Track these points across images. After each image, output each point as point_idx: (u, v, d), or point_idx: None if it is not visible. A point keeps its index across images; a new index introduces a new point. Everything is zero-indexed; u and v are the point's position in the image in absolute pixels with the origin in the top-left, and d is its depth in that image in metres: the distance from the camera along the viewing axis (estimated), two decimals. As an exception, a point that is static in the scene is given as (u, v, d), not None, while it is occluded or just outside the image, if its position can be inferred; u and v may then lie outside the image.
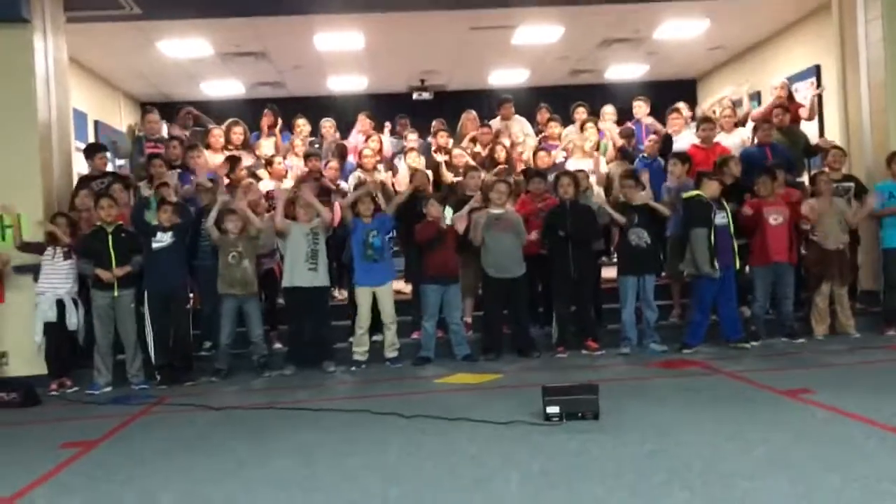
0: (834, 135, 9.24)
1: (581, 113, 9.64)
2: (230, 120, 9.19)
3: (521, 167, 8.92)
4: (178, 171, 8.04)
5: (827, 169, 7.81)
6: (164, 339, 6.84)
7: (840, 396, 4.86)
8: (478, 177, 7.93)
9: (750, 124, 9.32)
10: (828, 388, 5.12)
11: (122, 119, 12.96)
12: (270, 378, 6.87)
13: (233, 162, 8.12)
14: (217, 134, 8.75)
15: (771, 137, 8.23)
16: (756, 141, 8.48)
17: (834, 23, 8.59)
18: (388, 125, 9.96)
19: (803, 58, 11.20)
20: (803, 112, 8.85)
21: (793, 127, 8.66)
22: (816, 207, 7.34)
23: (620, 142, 9.15)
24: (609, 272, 8.07)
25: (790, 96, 9.45)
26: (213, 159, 8.51)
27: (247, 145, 9.03)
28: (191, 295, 7.41)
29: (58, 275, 6.83)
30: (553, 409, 4.60)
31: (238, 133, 8.96)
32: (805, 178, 8.70)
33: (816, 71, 10.93)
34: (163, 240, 6.81)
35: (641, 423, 4.55)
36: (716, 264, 6.88)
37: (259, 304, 7.11)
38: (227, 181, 7.86)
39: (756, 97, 12.37)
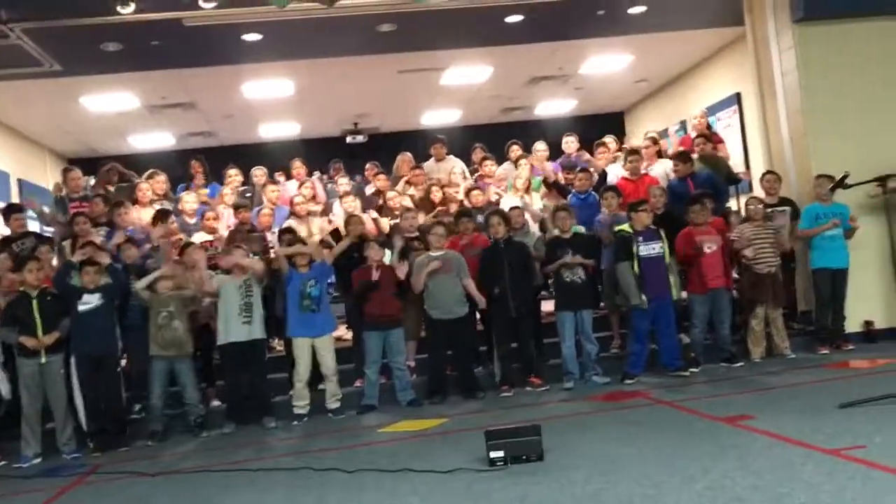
0: (758, 161, 9.52)
1: (515, 150, 9.75)
2: (149, 171, 9.01)
3: (454, 207, 8.94)
4: (106, 228, 7.85)
5: (763, 194, 8.01)
6: (95, 405, 6.56)
7: (778, 420, 4.91)
8: (412, 218, 7.92)
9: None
10: (767, 413, 5.17)
11: (48, 177, 12.64)
12: (209, 438, 6.65)
13: (162, 216, 7.97)
14: (144, 188, 8.55)
15: (689, 169, 8.39)
16: (676, 175, 8.63)
17: (750, 53, 8.88)
18: (317, 174, 9.81)
19: (724, 86, 11.58)
20: (721, 149, 9.07)
21: (715, 155, 8.86)
22: (746, 233, 7.50)
23: (553, 177, 9.23)
24: (549, 305, 8.06)
25: (708, 126, 9.72)
26: (143, 214, 8.34)
27: (168, 196, 8.87)
28: (123, 356, 7.18)
29: (-20, 346, 6.54)
30: (497, 454, 4.54)
31: (160, 182, 8.80)
32: (733, 205, 8.93)
33: (737, 99, 11.31)
34: (90, 301, 6.56)
35: (586, 460, 4.52)
36: (642, 296, 6.96)
37: (192, 364, 6.86)
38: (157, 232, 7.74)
39: (681, 127, 12.73)
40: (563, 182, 9.07)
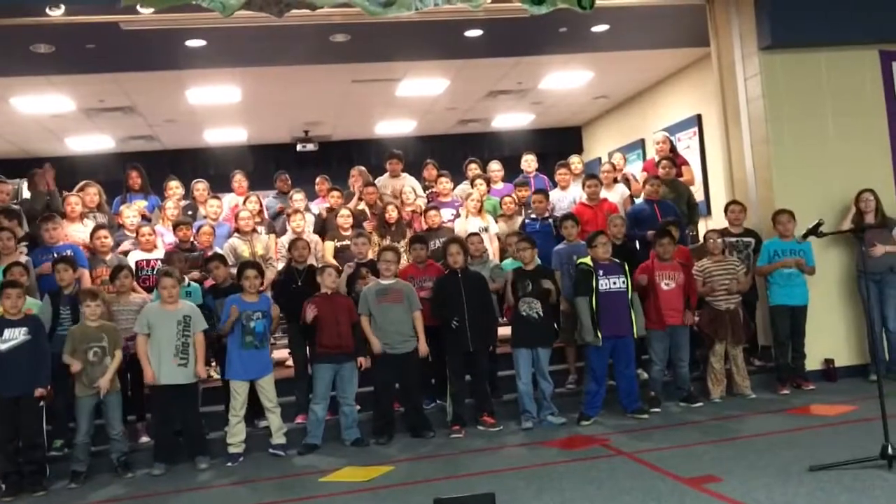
0: (719, 189, 9.30)
1: (473, 169, 9.41)
2: (82, 182, 8.39)
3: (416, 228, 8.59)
4: (25, 244, 7.26)
5: (727, 224, 7.76)
6: (7, 446, 5.98)
7: (747, 485, 4.61)
8: (362, 244, 7.49)
9: (638, 176, 9.34)
10: (733, 473, 4.87)
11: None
12: (135, 479, 6.14)
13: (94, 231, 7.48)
14: (73, 201, 7.91)
15: (659, 193, 8.17)
16: (643, 196, 8.41)
17: (714, 77, 8.63)
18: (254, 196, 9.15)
19: (685, 107, 11.38)
20: (686, 171, 8.89)
21: (676, 181, 8.64)
22: (707, 268, 7.26)
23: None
24: (504, 330, 7.67)
25: (673, 149, 9.48)
26: (71, 230, 7.76)
27: (102, 207, 8.28)
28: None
29: None
30: (447, 526, 4.18)
31: (92, 194, 8.19)
32: (699, 233, 8.74)
33: (698, 120, 11.13)
34: (13, 337, 5.97)
35: (543, 532, 4.17)
36: (598, 333, 6.66)
37: (119, 397, 6.33)
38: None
39: (640, 145, 12.53)
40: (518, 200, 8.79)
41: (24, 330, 6.05)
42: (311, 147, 13.21)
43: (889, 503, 4.14)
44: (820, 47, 7.91)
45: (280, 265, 8.18)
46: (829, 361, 7.73)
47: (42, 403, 6.27)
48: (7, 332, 5.99)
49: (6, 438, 6.00)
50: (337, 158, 13.36)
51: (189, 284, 7.06)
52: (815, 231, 5.18)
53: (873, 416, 5.77)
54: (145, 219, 8.46)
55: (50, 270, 6.85)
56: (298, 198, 9.07)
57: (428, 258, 7.38)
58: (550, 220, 8.10)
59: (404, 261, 7.62)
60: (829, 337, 7.75)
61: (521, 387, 6.86)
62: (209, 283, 7.27)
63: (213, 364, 7.46)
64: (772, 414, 6.59)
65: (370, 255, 7.46)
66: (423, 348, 6.80)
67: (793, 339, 7.45)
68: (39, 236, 7.36)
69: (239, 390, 6.48)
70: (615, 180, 8.97)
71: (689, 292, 7.15)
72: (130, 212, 8.11)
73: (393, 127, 13.15)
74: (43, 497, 5.88)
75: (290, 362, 7.73)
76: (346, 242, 8.14)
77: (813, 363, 7.63)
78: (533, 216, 8.29)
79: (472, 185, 9.04)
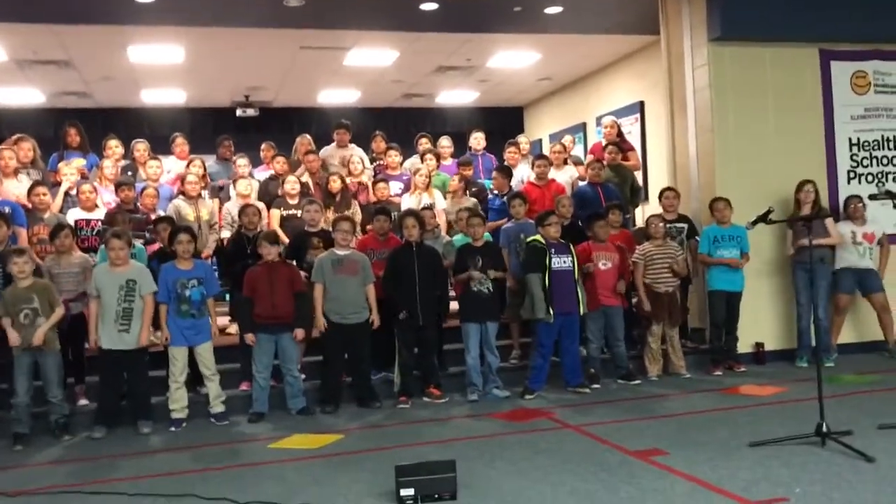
0: (660, 174, 9.55)
1: (424, 143, 9.40)
2: (16, 136, 8.05)
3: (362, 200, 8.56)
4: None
5: (661, 210, 7.97)
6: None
7: (693, 459, 4.79)
8: (315, 211, 7.40)
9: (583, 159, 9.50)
10: (678, 448, 5.06)
11: None
12: (75, 443, 6.00)
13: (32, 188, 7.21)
14: (7, 156, 7.58)
15: (601, 177, 8.34)
16: (587, 179, 8.56)
17: (662, 65, 8.83)
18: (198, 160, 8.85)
19: (628, 93, 11.60)
20: (632, 156, 9.10)
21: (621, 165, 8.84)
22: (649, 251, 7.47)
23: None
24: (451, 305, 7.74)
25: (619, 133, 9.68)
26: (6, 186, 7.46)
27: (36, 163, 7.96)
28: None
29: None
30: (407, 492, 4.21)
31: (27, 149, 7.85)
32: (637, 216, 8.94)
33: (640, 107, 11.34)
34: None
35: (501, 501, 4.26)
36: (550, 310, 6.79)
37: (58, 358, 6.13)
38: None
39: (581, 128, 12.73)
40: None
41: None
42: (251, 112, 12.98)
43: (824, 476, 4.38)
44: (766, 42, 8.18)
45: (224, 233, 8.06)
46: (759, 345, 8.07)
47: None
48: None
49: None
50: (278, 125, 13.14)
51: (134, 247, 6.89)
52: (764, 218, 5.40)
53: (801, 397, 6.17)
54: (84, 177, 8.18)
55: None
56: (242, 163, 8.89)
57: (389, 231, 7.36)
58: (504, 199, 8.20)
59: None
60: (760, 322, 8.09)
61: (470, 360, 6.95)
62: (155, 246, 7.10)
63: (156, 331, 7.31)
64: (706, 393, 6.87)
65: (322, 224, 7.40)
66: (377, 321, 6.81)
67: (727, 324, 7.74)
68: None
69: (178, 356, 6.39)
70: (565, 161, 9.11)
71: (623, 272, 7.35)
72: (69, 169, 7.83)
73: (336, 96, 13.01)
74: (-23, 460, 5.69)
75: (231, 329, 7.64)
76: (293, 211, 8.06)
77: (744, 346, 7.95)
78: (495, 192, 8.38)
79: (422, 160, 9.05)
